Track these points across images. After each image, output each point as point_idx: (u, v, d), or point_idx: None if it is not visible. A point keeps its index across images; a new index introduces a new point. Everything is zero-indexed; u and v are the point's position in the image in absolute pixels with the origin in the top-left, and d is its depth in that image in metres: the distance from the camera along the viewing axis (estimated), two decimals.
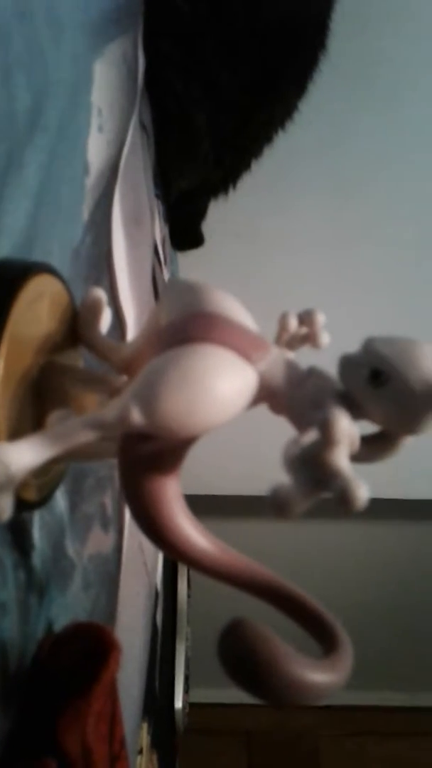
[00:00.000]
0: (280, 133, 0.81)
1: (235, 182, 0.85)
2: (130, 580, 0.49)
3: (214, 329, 0.23)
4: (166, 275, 0.79)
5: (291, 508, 0.19)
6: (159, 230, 0.73)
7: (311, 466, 0.19)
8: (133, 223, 0.51)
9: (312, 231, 1.14)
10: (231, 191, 0.86)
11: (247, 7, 0.65)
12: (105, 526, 0.40)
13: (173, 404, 0.21)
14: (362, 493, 0.18)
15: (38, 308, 0.24)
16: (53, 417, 0.25)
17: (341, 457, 0.19)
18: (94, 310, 0.27)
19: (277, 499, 0.19)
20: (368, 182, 1.12)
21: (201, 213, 0.92)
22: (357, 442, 0.21)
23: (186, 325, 0.23)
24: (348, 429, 0.20)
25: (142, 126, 0.59)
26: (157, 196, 0.71)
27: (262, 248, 1.13)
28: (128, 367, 0.26)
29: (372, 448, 0.23)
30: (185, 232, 0.91)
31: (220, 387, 0.21)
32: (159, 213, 0.74)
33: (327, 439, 0.19)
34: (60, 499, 0.31)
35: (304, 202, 1.11)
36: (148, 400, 0.21)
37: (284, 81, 0.74)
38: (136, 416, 0.21)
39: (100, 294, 0.27)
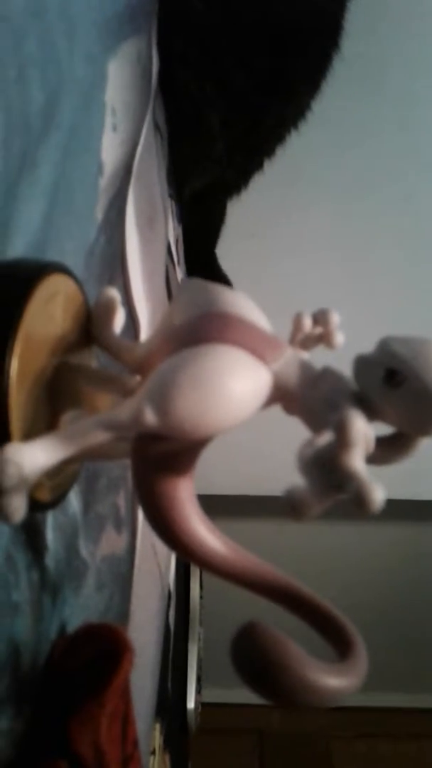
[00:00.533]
0: (293, 133, 0.80)
1: (247, 182, 0.85)
2: (143, 580, 0.49)
3: (228, 329, 0.23)
4: (180, 275, 0.79)
5: (306, 510, 0.19)
6: (172, 230, 0.73)
7: (326, 468, 0.19)
8: (146, 222, 0.51)
9: (326, 230, 1.13)
10: (243, 191, 0.86)
11: (261, 5, 0.65)
12: (118, 526, 0.40)
13: (187, 405, 0.20)
14: (378, 495, 0.18)
15: (52, 308, 0.24)
16: (67, 417, 0.25)
17: (357, 459, 0.19)
18: (108, 310, 0.27)
19: (293, 500, 0.19)
20: (382, 182, 1.11)
21: (215, 236, 0.92)
22: (372, 444, 0.20)
23: (200, 325, 0.23)
24: (363, 430, 0.19)
25: (156, 126, 0.59)
26: (170, 196, 0.71)
27: (277, 248, 1.13)
28: (142, 368, 0.26)
29: (388, 450, 0.22)
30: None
31: (233, 387, 0.21)
32: (172, 213, 0.74)
33: (342, 441, 0.19)
34: (73, 500, 0.31)
35: (318, 201, 1.11)
36: (162, 400, 0.21)
37: (297, 80, 0.74)
38: (150, 417, 0.21)
39: (114, 294, 0.27)
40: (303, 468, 0.20)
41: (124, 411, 0.21)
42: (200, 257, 0.90)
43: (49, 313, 0.24)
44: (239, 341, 0.23)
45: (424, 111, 1.08)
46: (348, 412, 0.20)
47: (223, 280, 0.91)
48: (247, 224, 0.99)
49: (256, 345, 0.23)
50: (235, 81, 0.67)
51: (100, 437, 0.21)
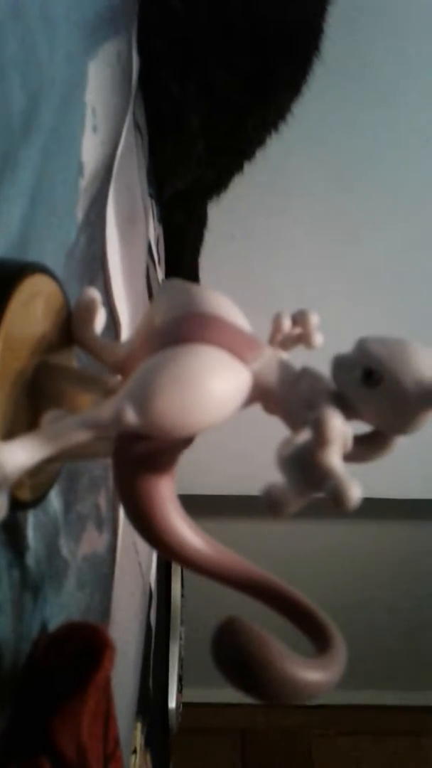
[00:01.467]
0: (273, 136, 0.81)
1: (227, 184, 0.85)
2: (125, 579, 0.49)
3: (208, 329, 0.23)
4: (161, 275, 0.79)
5: (284, 508, 0.19)
6: (153, 230, 0.73)
7: (304, 466, 0.19)
8: (127, 222, 0.51)
9: (306, 232, 1.14)
10: (223, 193, 0.86)
11: (243, 8, 0.65)
12: (99, 525, 0.40)
13: (167, 404, 0.21)
14: (355, 492, 0.18)
15: (33, 308, 0.24)
16: (48, 417, 0.25)
17: (334, 457, 0.19)
18: (89, 310, 0.27)
19: (271, 498, 0.19)
20: (363, 182, 1.12)
21: (197, 245, 0.92)
22: (350, 442, 0.21)
23: (180, 325, 0.23)
24: (341, 428, 0.20)
25: (137, 126, 0.59)
26: (151, 195, 0.71)
27: (256, 249, 1.13)
28: (123, 367, 0.26)
29: (365, 448, 0.23)
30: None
31: (214, 387, 0.22)
32: (153, 213, 0.74)
33: (320, 439, 0.19)
34: (54, 499, 0.31)
35: (298, 201, 1.12)
36: (143, 399, 0.21)
37: (278, 83, 0.74)
38: (131, 416, 0.21)
39: (95, 294, 0.27)
40: (281, 466, 0.20)
41: (105, 410, 0.21)
42: (183, 262, 0.90)
43: (29, 313, 0.24)
44: (219, 341, 0.23)
45: (404, 109, 1.09)
46: (325, 411, 0.20)
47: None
48: (226, 225, 1.00)
49: (236, 345, 0.23)
50: (216, 82, 0.68)
51: (81, 436, 0.21)
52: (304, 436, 0.20)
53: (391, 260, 1.16)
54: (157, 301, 0.26)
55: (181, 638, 1.03)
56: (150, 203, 0.71)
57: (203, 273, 0.96)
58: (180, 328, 0.23)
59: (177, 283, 0.26)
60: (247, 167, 0.84)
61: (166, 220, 0.84)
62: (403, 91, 1.08)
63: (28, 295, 0.23)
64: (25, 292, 0.23)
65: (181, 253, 0.90)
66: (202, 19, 0.63)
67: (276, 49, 0.70)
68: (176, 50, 0.63)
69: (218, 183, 0.85)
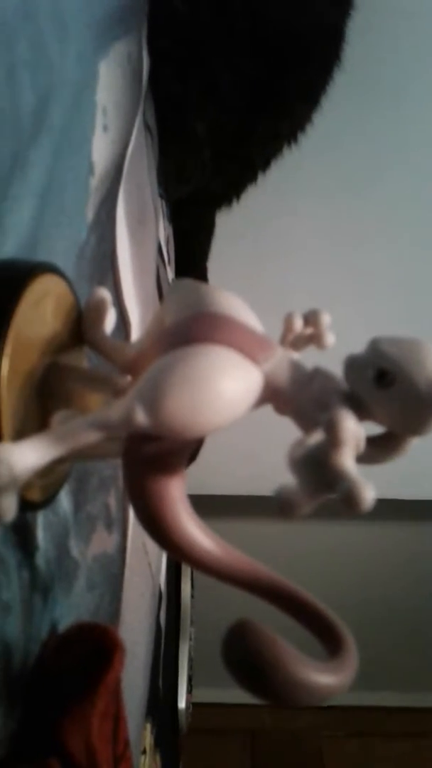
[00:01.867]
0: (292, 146, 0.80)
1: (239, 194, 0.84)
2: (134, 580, 0.49)
3: (219, 330, 0.23)
4: (170, 275, 0.79)
5: (297, 509, 0.19)
6: (163, 230, 0.73)
7: (317, 467, 0.19)
8: (137, 222, 0.51)
9: (317, 231, 1.14)
10: (235, 203, 0.86)
11: (250, 12, 0.65)
12: (109, 526, 0.40)
13: (178, 404, 0.21)
14: (369, 494, 0.18)
15: (43, 308, 0.24)
16: (58, 417, 0.25)
17: (347, 458, 0.19)
18: (99, 310, 0.27)
19: (283, 499, 0.19)
20: (374, 181, 1.12)
21: (204, 252, 0.91)
22: (363, 443, 0.21)
23: (191, 325, 0.23)
24: (354, 430, 0.20)
25: (146, 126, 0.59)
26: (161, 195, 0.71)
27: (267, 249, 1.13)
28: (133, 368, 0.26)
29: (378, 449, 0.22)
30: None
31: (225, 387, 0.21)
32: (163, 213, 0.74)
33: (332, 440, 0.19)
34: (64, 500, 0.31)
35: (309, 202, 1.11)
36: (153, 400, 0.21)
37: (291, 91, 0.73)
38: (141, 416, 0.21)
39: (105, 294, 0.27)
40: (293, 467, 0.20)
41: (115, 411, 0.21)
42: (192, 263, 0.90)
43: (39, 313, 0.24)
44: (230, 341, 0.23)
45: (415, 111, 1.09)
46: (338, 412, 0.20)
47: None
48: (236, 226, 1.00)
49: (247, 345, 0.23)
50: (222, 86, 0.67)
51: (91, 437, 0.21)
52: (317, 437, 0.20)
53: (403, 260, 1.15)
54: (168, 301, 0.26)
55: (190, 639, 1.03)
56: (160, 203, 0.71)
57: (213, 272, 0.95)
58: (190, 328, 0.23)
59: (187, 282, 0.25)
60: (261, 178, 0.83)
61: (174, 224, 0.84)
62: (416, 90, 1.08)
63: (38, 295, 0.23)
64: (35, 292, 0.23)
65: (190, 254, 0.90)
66: (205, 20, 0.63)
67: (286, 57, 0.69)
68: (180, 51, 0.63)
69: (227, 193, 0.84)
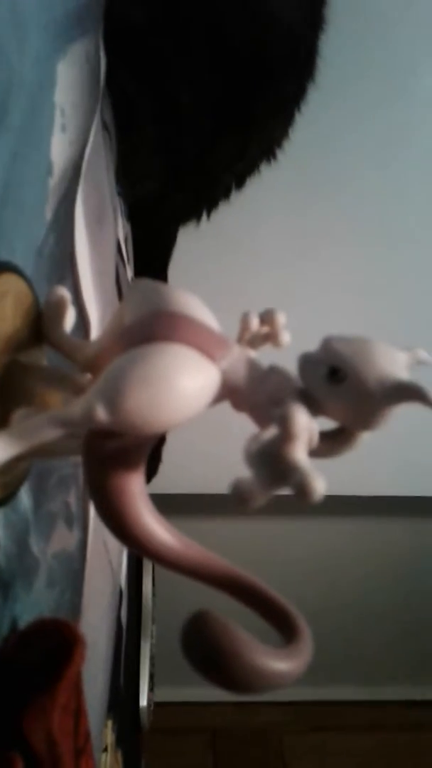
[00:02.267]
0: (268, 165, 0.79)
1: (209, 211, 0.83)
2: (95, 577, 0.49)
3: (177, 328, 0.23)
4: (130, 274, 0.80)
5: (251, 501, 0.20)
6: (122, 229, 0.73)
7: (271, 461, 0.20)
8: (95, 222, 0.51)
9: (274, 230, 1.15)
10: (205, 219, 0.85)
11: (207, 29, 0.64)
12: (69, 524, 0.40)
13: (137, 401, 0.21)
14: (319, 485, 0.19)
15: (2, 307, 0.24)
16: (17, 415, 0.25)
17: (299, 451, 0.20)
18: (59, 309, 0.27)
19: (238, 492, 0.20)
20: (335, 180, 1.13)
21: (167, 255, 0.90)
22: (316, 438, 0.21)
23: (150, 323, 0.24)
24: (306, 424, 0.20)
25: (104, 125, 0.59)
26: (119, 194, 0.71)
27: (225, 246, 1.13)
28: (92, 366, 0.26)
29: (331, 444, 0.23)
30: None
31: (183, 384, 0.22)
32: (121, 212, 0.74)
33: (285, 434, 0.20)
34: (24, 497, 0.31)
35: (269, 200, 1.12)
36: (113, 397, 0.21)
37: (256, 108, 0.72)
38: (101, 413, 0.21)
39: (64, 292, 0.27)
40: (248, 461, 0.20)
41: (75, 408, 0.21)
42: (150, 270, 0.89)
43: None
44: (188, 340, 0.23)
45: (384, 110, 1.10)
46: (291, 407, 0.20)
47: None
48: (195, 224, 1.00)
49: (205, 343, 0.24)
50: (178, 98, 0.66)
51: (51, 434, 0.21)
52: (271, 431, 0.21)
53: (358, 259, 1.17)
54: (127, 300, 0.26)
55: (152, 637, 1.03)
56: (118, 202, 0.71)
57: (172, 272, 0.96)
58: (149, 327, 0.24)
59: (147, 282, 0.26)
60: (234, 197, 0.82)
61: (135, 228, 0.83)
62: (383, 90, 1.09)
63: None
64: None
65: (150, 258, 0.89)
66: (162, 33, 0.62)
67: (248, 72, 0.67)
68: (138, 57, 0.62)
69: (198, 209, 0.83)
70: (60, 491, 0.38)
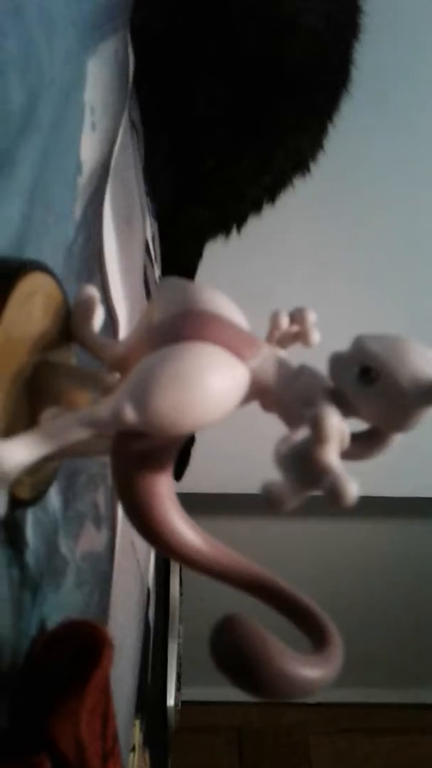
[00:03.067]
0: (302, 178, 0.77)
1: (239, 226, 0.81)
2: (123, 578, 0.49)
3: (206, 327, 0.23)
4: (157, 273, 0.79)
5: (283, 504, 0.19)
6: (150, 227, 0.73)
7: (302, 463, 0.19)
8: (124, 221, 0.51)
9: (304, 228, 1.14)
10: (236, 233, 0.83)
11: (224, 38, 0.62)
12: (98, 524, 0.40)
13: (166, 401, 0.21)
14: (352, 489, 0.18)
15: (31, 306, 0.24)
16: (46, 415, 0.25)
17: (331, 454, 0.19)
18: (88, 308, 0.27)
19: (270, 495, 0.19)
20: (359, 181, 1.12)
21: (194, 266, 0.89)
22: (347, 439, 0.21)
23: (178, 323, 0.23)
24: (338, 426, 0.20)
25: (132, 124, 0.58)
26: (147, 193, 0.71)
27: (254, 247, 1.13)
28: (121, 365, 0.26)
29: (362, 446, 0.23)
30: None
31: (212, 384, 0.22)
32: (149, 211, 0.74)
33: (317, 436, 0.19)
34: (53, 497, 0.31)
35: (298, 201, 1.11)
36: (141, 397, 0.21)
37: (282, 122, 0.70)
38: (129, 413, 0.21)
39: (93, 291, 0.27)
40: (280, 463, 0.20)
41: (103, 408, 0.21)
42: (178, 269, 0.88)
43: (27, 311, 0.24)
44: (217, 339, 0.23)
45: (408, 115, 1.09)
46: (323, 409, 0.20)
47: None
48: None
49: (234, 343, 0.23)
50: (196, 111, 0.64)
51: (79, 434, 0.21)
52: (302, 433, 0.20)
53: (390, 259, 1.16)
54: (156, 299, 0.26)
55: (179, 636, 1.03)
56: (146, 201, 0.71)
57: (200, 270, 0.95)
58: (178, 326, 0.23)
59: (175, 281, 0.26)
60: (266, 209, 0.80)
61: (165, 233, 0.81)
62: (404, 94, 1.08)
63: (27, 293, 0.23)
64: (23, 290, 0.23)
65: (178, 259, 0.88)
66: (180, 42, 0.61)
67: (269, 84, 0.65)
68: (153, 66, 0.60)
69: (218, 223, 0.81)
70: (88, 491, 0.38)
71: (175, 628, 1.01)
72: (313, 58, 0.68)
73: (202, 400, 0.21)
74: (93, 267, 0.40)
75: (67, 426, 0.21)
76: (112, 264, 0.44)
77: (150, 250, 0.71)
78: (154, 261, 0.74)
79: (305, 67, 0.68)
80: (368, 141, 1.09)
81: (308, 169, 0.76)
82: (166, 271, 0.83)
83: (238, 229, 0.82)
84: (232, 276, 0.95)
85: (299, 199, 1.10)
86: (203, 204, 0.77)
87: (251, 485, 0.23)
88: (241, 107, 0.66)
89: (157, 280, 0.74)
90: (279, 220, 1.11)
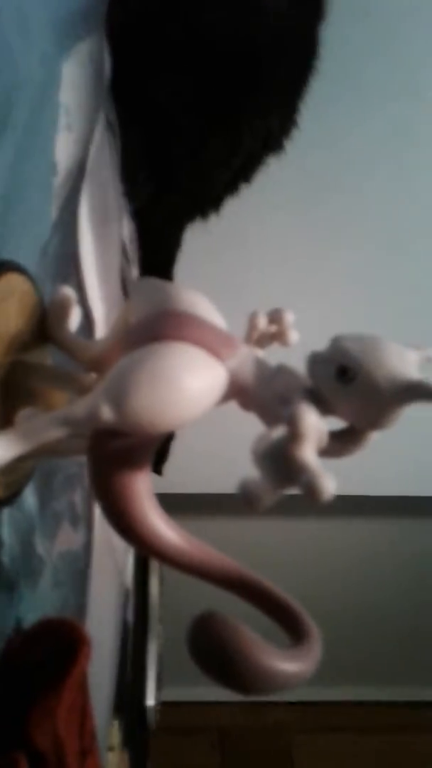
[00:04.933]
0: (276, 156, 0.77)
1: (217, 207, 0.82)
2: (101, 577, 0.49)
3: (184, 328, 0.23)
4: (135, 273, 0.79)
5: (259, 502, 0.20)
6: (126, 228, 0.73)
7: (279, 461, 0.20)
8: (100, 221, 0.51)
9: (283, 228, 1.14)
10: (213, 215, 0.83)
11: (182, 24, 0.62)
12: (74, 523, 0.40)
13: (143, 401, 0.21)
14: (329, 485, 0.18)
15: (7, 307, 0.24)
16: (22, 415, 0.25)
17: (308, 451, 0.20)
18: (63, 308, 0.27)
19: (246, 492, 0.20)
20: (340, 180, 1.12)
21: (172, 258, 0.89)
22: (325, 437, 0.21)
23: (156, 323, 0.24)
24: (315, 424, 0.20)
25: (109, 124, 0.58)
26: (124, 194, 0.71)
27: (233, 246, 1.13)
28: (97, 365, 0.26)
29: (340, 443, 0.23)
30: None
31: (189, 384, 0.22)
32: (126, 211, 0.74)
33: (294, 434, 0.20)
34: (29, 497, 0.31)
35: (276, 199, 1.12)
36: (119, 396, 0.21)
37: (246, 102, 0.70)
38: (107, 413, 0.21)
39: (69, 292, 0.27)
40: (257, 461, 0.20)
41: (80, 407, 0.21)
42: (156, 270, 0.88)
43: (3, 311, 0.24)
44: (195, 339, 0.23)
45: (392, 105, 1.09)
46: (299, 407, 0.20)
47: None
48: (202, 224, 1.00)
49: (212, 343, 0.23)
50: (157, 98, 0.64)
51: (56, 433, 0.21)
52: (279, 431, 0.20)
53: (367, 258, 1.17)
54: (133, 299, 0.26)
55: (159, 636, 1.03)
56: (123, 201, 0.70)
57: (178, 271, 0.95)
58: (155, 326, 0.23)
59: (152, 281, 0.26)
60: (244, 190, 0.81)
61: (141, 228, 0.81)
62: (382, 89, 1.08)
63: (2, 293, 0.23)
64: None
65: (156, 257, 0.88)
66: (136, 30, 0.60)
67: (230, 66, 0.65)
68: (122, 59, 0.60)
69: (190, 207, 0.81)
70: (65, 491, 0.38)
71: (155, 627, 1.01)
72: (275, 37, 0.68)
73: (178, 400, 0.21)
74: (69, 267, 0.40)
75: (43, 425, 0.21)
76: (89, 264, 0.44)
77: (127, 250, 0.71)
78: (130, 261, 0.74)
79: (269, 49, 0.68)
80: (344, 129, 1.08)
81: (281, 147, 0.77)
82: (144, 261, 0.83)
83: (217, 209, 0.82)
84: (208, 273, 0.95)
85: (275, 195, 1.10)
86: (177, 192, 0.77)
87: (230, 485, 0.23)
88: (203, 94, 0.66)
89: (135, 280, 0.73)
90: (258, 218, 1.11)
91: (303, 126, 1.06)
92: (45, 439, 0.21)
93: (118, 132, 0.64)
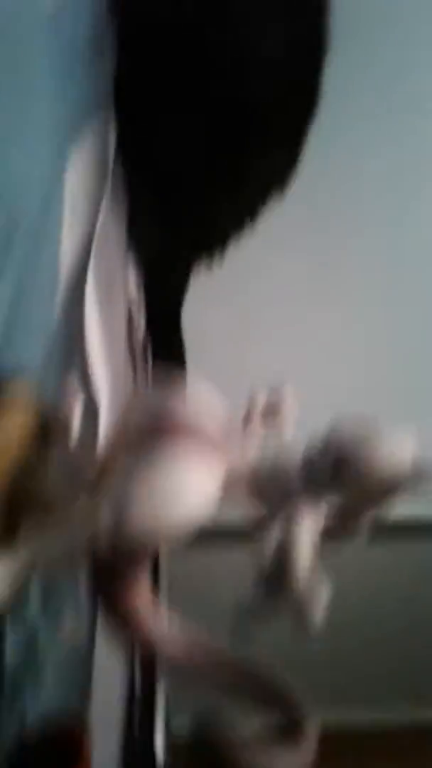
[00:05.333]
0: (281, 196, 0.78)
1: (223, 250, 0.82)
2: (105, 663, 0.48)
3: (183, 435, 0.24)
4: (141, 332, 0.79)
5: (256, 620, 0.20)
6: (132, 282, 0.72)
7: (274, 587, 0.20)
8: (105, 291, 0.51)
9: (287, 272, 1.13)
10: (219, 258, 0.84)
11: (177, 80, 0.62)
12: (78, 613, 0.40)
13: (143, 524, 0.21)
14: (317, 618, 0.19)
15: (10, 419, 0.24)
16: (27, 522, 0.25)
17: (301, 581, 0.20)
18: (65, 427, 0.27)
19: (244, 614, 0.20)
20: (346, 224, 1.11)
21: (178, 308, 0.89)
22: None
23: (155, 433, 0.24)
24: (307, 550, 0.21)
25: (114, 184, 0.58)
26: (131, 248, 0.71)
27: (238, 291, 1.12)
28: (99, 472, 0.26)
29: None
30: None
31: (185, 501, 0.22)
32: (131, 262, 0.74)
33: (286, 564, 0.20)
34: (33, 593, 0.31)
35: (280, 243, 1.10)
36: (119, 520, 0.21)
37: (246, 151, 0.71)
38: (110, 538, 0.21)
39: (71, 411, 0.27)
40: (257, 585, 0.21)
41: (82, 530, 0.22)
42: (164, 319, 0.88)
43: (6, 422, 0.24)
44: (194, 442, 0.23)
45: (397, 146, 1.09)
46: (292, 537, 0.21)
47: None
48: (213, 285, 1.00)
49: (211, 442, 0.24)
50: (154, 155, 0.64)
51: (59, 556, 0.22)
52: (274, 552, 0.21)
53: (372, 318, 1.16)
54: (133, 408, 0.26)
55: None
56: (128, 262, 0.71)
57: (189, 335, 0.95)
58: (155, 437, 0.24)
59: (152, 391, 0.26)
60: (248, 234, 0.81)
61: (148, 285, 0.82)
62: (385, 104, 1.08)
63: (6, 405, 0.24)
64: (3, 403, 0.23)
65: (161, 305, 0.89)
66: (132, 87, 0.60)
67: (228, 116, 0.66)
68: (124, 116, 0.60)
69: (193, 255, 0.82)
70: (68, 584, 0.37)
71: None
72: (276, 87, 0.69)
73: (178, 515, 0.22)
74: (75, 351, 0.40)
75: (47, 548, 0.22)
76: (94, 341, 0.44)
77: (132, 312, 0.71)
78: (136, 327, 0.75)
79: (269, 97, 0.69)
80: (349, 172, 1.08)
81: (285, 187, 0.77)
82: (151, 306, 0.84)
83: (222, 252, 0.83)
84: (214, 317, 0.94)
85: (282, 241, 1.09)
86: (184, 239, 0.78)
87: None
88: (207, 146, 0.67)
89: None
90: (262, 260, 1.10)
91: (305, 170, 1.05)
92: (49, 561, 0.21)
93: (123, 187, 0.64)
